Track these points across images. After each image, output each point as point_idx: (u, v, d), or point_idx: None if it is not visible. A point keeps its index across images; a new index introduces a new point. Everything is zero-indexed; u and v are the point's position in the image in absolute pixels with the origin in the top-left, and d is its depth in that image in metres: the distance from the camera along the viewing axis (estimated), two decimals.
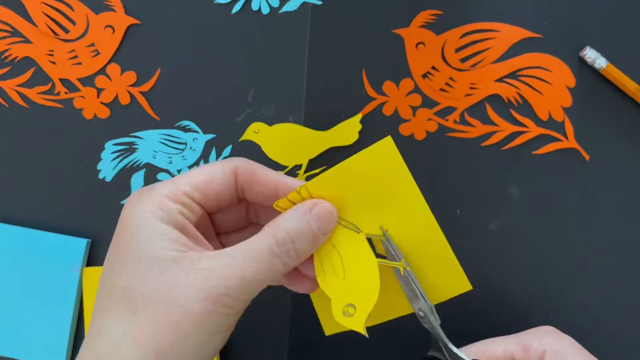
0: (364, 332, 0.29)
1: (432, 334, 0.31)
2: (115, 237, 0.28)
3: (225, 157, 0.39)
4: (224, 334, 0.27)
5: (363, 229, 0.30)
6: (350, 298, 0.29)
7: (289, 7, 0.39)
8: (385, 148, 0.29)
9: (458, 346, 0.31)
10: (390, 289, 0.31)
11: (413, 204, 0.30)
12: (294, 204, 0.29)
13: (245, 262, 0.27)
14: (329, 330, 0.33)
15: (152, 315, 0.26)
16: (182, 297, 0.26)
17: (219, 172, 0.30)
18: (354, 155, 0.29)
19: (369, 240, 0.30)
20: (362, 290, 0.29)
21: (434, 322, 0.31)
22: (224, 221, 0.33)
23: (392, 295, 0.31)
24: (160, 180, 0.39)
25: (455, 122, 0.39)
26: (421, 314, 0.31)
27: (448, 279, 0.31)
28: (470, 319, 0.39)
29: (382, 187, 0.29)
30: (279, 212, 0.29)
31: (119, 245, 0.28)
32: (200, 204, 0.29)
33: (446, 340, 0.31)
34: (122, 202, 0.40)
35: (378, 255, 0.30)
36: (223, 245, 0.32)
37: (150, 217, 0.27)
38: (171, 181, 0.29)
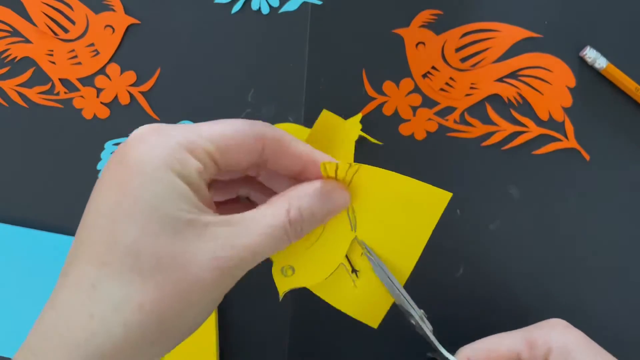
0: (281, 295, 0.30)
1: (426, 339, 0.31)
2: (118, 181, 0.24)
3: None
4: (222, 298, 0.27)
5: (358, 232, 0.31)
6: (298, 263, 0.30)
7: (289, 7, 0.39)
8: (440, 198, 0.30)
9: (459, 346, 0.31)
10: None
11: (413, 246, 0.31)
12: (337, 174, 0.28)
13: (258, 236, 0.26)
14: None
15: (161, 282, 0.24)
16: (194, 265, 0.24)
17: (247, 137, 0.27)
18: (411, 179, 0.29)
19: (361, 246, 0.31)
20: (312, 268, 0.30)
21: (426, 329, 0.31)
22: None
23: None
24: None
25: (455, 122, 0.39)
26: (412, 321, 0.31)
27: (373, 306, 0.32)
28: (470, 319, 0.39)
29: (403, 218, 0.30)
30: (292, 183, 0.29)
31: (124, 192, 0.24)
32: (218, 166, 0.26)
33: (438, 346, 0.31)
34: None
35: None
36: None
37: (167, 171, 0.24)
38: (190, 129, 0.26)
